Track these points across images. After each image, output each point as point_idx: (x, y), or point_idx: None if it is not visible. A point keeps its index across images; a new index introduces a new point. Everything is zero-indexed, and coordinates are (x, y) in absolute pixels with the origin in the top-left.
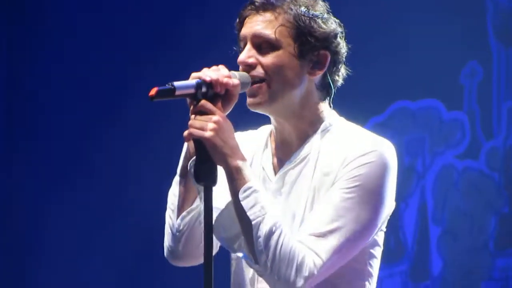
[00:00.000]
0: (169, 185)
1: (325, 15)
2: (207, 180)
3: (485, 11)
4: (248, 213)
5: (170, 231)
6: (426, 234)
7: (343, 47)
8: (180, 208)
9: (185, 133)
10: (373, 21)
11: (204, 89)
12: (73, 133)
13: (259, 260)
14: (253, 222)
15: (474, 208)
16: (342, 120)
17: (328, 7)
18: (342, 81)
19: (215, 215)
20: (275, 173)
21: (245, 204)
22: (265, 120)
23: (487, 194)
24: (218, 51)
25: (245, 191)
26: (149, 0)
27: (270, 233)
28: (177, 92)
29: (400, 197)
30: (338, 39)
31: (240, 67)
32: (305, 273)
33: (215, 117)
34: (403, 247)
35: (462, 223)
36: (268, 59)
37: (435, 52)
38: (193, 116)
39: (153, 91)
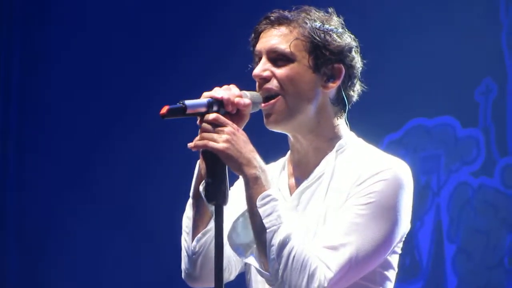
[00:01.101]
0: (184, 189)
1: (340, 30)
2: (217, 199)
3: (500, 28)
4: (264, 221)
5: (186, 253)
6: (441, 252)
7: (358, 61)
8: (195, 230)
9: (192, 144)
10: (388, 38)
11: (215, 108)
12: (86, 136)
13: (271, 268)
14: (268, 230)
15: (489, 225)
16: (359, 140)
17: (343, 22)
18: (357, 97)
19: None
20: (291, 193)
21: (262, 211)
22: (279, 141)
23: (502, 211)
24: (233, 61)
25: (263, 198)
26: (165, 9)
27: (284, 242)
28: (188, 111)
29: (415, 215)
30: (353, 53)
31: (256, 82)
32: (315, 284)
33: (227, 128)
34: (418, 265)
35: (477, 240)
36: (282, 71)
37: (450, 70)
38: (204, 127)
39: (164, 110)
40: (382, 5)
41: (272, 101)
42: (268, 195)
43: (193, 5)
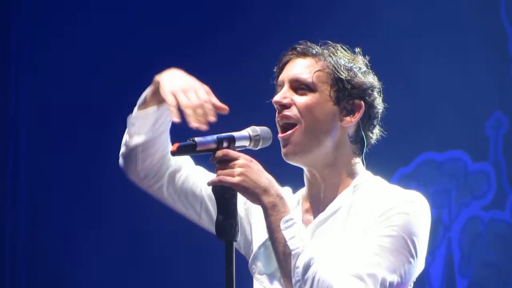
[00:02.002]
0: None
1: (364, 69)
2: (228, 235)
3: (509, 61)
4: (288, 243)
5: (125, 138)
6: (453, 287)
7: (379, 103)
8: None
9: (209, 181)
10: (398, 71)
11: (225, 144)
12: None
13: None
14: (292, 252)
15: (500, 259)
16: (376, 177)
17: (368, 62)
18: (375, 141)
19: None
20: (306, 226)
21: (286, 233)
22: (294, 173)
23: None
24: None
25: (286, 221)
26: (173, 14)
27: (309, 264)
28: (198, 148)
29: (427, 249)
30: (375, 93)
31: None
32: None
33: (240, 161)
34: None
35: (489, 275)
36: (303, 100)
37: (460, 103)
38: (217, 165)
39: (174, 147)
40: (392, 38)
41: (290, 131)
42: (291, 219)
43: (203, 8)
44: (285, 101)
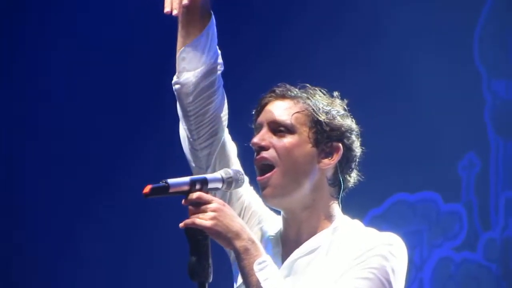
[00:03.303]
0: None
1: (342, 112)
2: (200, 277)
3: (483, 103)
4: (262, 285)
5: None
6: None
7: (357, 146)
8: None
9: (182, 223)
10: (367, 113)
11: (198, 186)
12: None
13: None
14: None
15: None
16: (355, 221)
17: (346, 106)
18: (353, 185)
19: None
20: (282, 262)
21: (260, 275)
22: None
23: (485, 286)
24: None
25: (259, 263)
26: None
27: None
28: (171, 190)
29: None
30: (353, 136)
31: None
32: None
33: (213, 205)
34: None
35: None
36: (281, 141)
37: (433, 144)
38: (191, 208)
39: (146, 189)
40: (360, 77)
41: (269, 174)
42: (264, 261)
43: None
44: (263, 143)
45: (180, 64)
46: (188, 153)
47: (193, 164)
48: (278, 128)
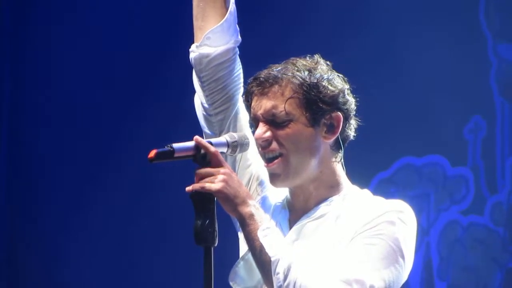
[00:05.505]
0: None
1: (330, 75)
2: (207, 241)
3: (489, 66)
4: (267, 251)
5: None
6: None
7: (352, 102)
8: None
9: (190, 187)
10: (375, 77)
11: (203, 151)
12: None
13: None
14: (272, 259)
15: (479, 263)
16: (364, 190)
17: (329, 64)
18: (354, 135)
19: None
20: (290, 227)
21: (265, 242)
22: None
23: (492, 249)
24: None
25: (263, 230)
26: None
27: (289, 268)
28: (176, 154)
29: None
30: (346, 96)
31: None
32: None
33: (223, 169)
34: None
35: (468, 278)
36: (282, 132)
37: (439, 108)
38: (198, 171)
39: (152, 153)
40: (366, 44)
41: (276, 161)
42: (268, 227)
43: None
44: (266, 135)
45: (202, 41)
46: (201, 119)
47: (206, 131)
48: (275, 120)
